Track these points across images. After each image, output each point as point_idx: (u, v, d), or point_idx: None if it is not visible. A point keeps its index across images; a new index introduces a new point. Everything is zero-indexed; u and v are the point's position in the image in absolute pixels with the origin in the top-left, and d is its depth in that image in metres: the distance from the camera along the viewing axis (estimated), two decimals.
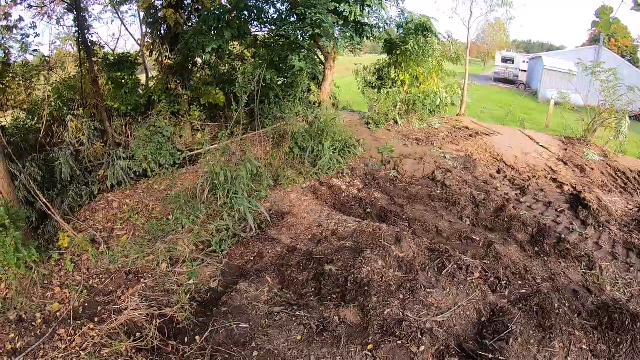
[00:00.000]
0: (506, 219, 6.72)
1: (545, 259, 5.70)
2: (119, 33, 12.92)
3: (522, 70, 31.03)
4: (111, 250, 5.50)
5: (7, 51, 8.29)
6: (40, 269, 5.39)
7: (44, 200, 5.65)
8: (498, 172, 8.82)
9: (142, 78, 11.13)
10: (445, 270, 5.06)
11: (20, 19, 8.79)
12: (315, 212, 6.02)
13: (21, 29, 8.58)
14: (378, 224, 5.91)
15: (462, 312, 4.25)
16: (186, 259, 5.08)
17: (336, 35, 8.04)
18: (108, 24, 11.30)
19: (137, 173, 6.68)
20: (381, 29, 9.56)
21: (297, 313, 4.11)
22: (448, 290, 4.56)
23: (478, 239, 6.08)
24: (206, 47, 8.12)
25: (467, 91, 12.06)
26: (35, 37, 8.62)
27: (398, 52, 9.73)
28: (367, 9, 9.01)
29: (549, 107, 14.75)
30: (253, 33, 10.53)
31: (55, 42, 11.06)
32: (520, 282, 4.86)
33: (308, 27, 7.91)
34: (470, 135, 10.33)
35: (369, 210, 6.48)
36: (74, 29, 8.93)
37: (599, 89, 10.94)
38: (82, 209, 6.63)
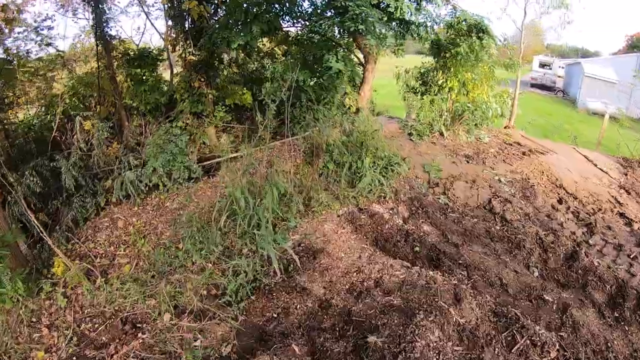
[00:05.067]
0: (580, 271, 5.30)
1: (626, 328, 4.42)
2: (144, 27, 11.91)
3: (559, 76, 28.27)
4: (109, 285, 4.39)
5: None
6: (28, 303, 4.36)
7: (36, 221, 4.59)
8: (559, 202, 7.19)
9: (167, 75, 10.07)
10: (515, 347, 3.73)
11: (43, 17, 7.83)
12: (353, 251, 4.70)
13: (35, 22, 7.59)
14: (431, 272, 4.52)
15: None
16: (194, 308, 3.89)
17: (383, 32, 6.59)
18: (134, 17, 10.28)
19: (148, 186, 5.55)
20: (428, 28, 7.97)
21: None
22: None
23: (551, 299, 4.65)
24: (232, 43, 6.84)
25: (517, 101, 10.33)
26: (49, 29, 7.60)
27: (447, 56, 8.15)
28: (415, 4, 7.46)
29: (602, 122, 12.69)
30: (284, 28, 9.17)
31: (80, 36, 10.17)
32: None
33: (349, 23, 6.48)
34: (524, 154, 8.66)
35: (417, 249, 5.09)
36: (92, 22, 7.84)
37: None
38: (86, 223, 5.58)
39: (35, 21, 7.68)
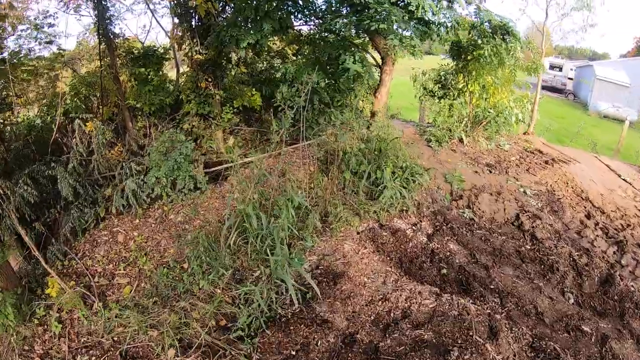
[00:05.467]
0: (616, 297, 4.93)
1: None
2: (149, 24, 11.43)
3: (569, 78, 27.60)
4: (107, 311, 3.95)
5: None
6: (20, 329, 3.93)
7: (26, 238, 4.15)
8: (587, 216, 6.71)
9: (173, 74, 9.61)
10: None
11: (44, 14, 7.36)
12: (377, 275, 4.24)
13: (36, 20, 7.13)
14: (463, 301, 4.06)
15: None
16: (201, 342, 3.45)
17: (408, 33, 6.09)
18: (140, 15, 9.79)
19: (150, 196, 5.09)
20: (449, 29, 7.46)
21: None
22: None
23: (589, 330, 4.23)
24: (241, 42, 6.34)
25: (537, 106, 9.82)
26: (49, 27, 7.14)
27: (468, 58, 7.64)
28: (436, 2, 6.95)
29: (622, 129, 12.17)
30: (296, 27, 8.68)
31: (85, 34, 9.71)
32: None
33: (370, 22, 5.99)
34: (547, 163, 8.17)
35: (444, 271, 4.63)
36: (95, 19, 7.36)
37: None
38: (84, 235, 5.14)
39: (35, 18, 7.23)
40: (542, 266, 5.06)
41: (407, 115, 12.19)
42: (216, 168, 6.64)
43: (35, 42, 7.36)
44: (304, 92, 4.58)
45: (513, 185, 6.84)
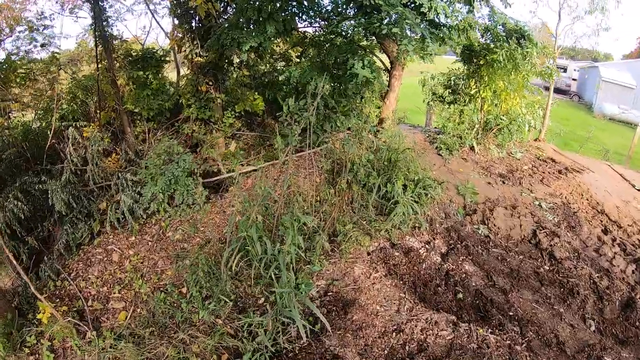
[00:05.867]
0: (637, 324, 4.60)
1: None
2: (150, 26, 11.03)
3: (573, 79, 27.14)
4: (101, 340, 3.65)
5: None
6: (11, 359, 3.64)
7: (15, 261, 3.84)
8: (605, 231, 6.40)
9: (174, 77, 9.27)
10: None
11: (39, 16, 7.03)
12: (390, 302, 3.93)
13: (31, 22, 6.80)
14: (482, 331, 3.77)
15: None
16: None
17: (424, 37, 5.73)
18: (140, 16, 9.44)
19: (147, 211, 4.76)
20: (461, 32, 7.09)
21: None
22: None
23: None
24: (242, 45, 5.98)
25: (549, 112, 9.48)
26: (44, 29, 6.80)
27: (481, 62, 7.29)
28: (453, 4, 6.59)
29: (634, 135, 11.82)
30: (300, 28, 8.31)
31: (85, 35, 9.35)
32: None
33: (381, 25, 5.63)
34: (560, 172, 7.84)
35: (460, 295, 4.33)
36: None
37: None
38: (78, 252, 4.82)
39: (30, 20, 6.90)
40: (562, 289, 4.76)
41: (413, 119, 11.85)
42: (217, 178, 6.32)
43: (30, 44, 7.05)
44: (312, 104, 4.23)
45: (528, 198, 6.52)
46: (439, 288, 4.38)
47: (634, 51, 42.99)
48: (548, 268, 5.04)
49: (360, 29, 6.32)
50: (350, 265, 4.28)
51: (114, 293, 4.16)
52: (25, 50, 7.35)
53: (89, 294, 4.19)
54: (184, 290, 4.00)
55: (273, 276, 3.74)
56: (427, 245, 4.89)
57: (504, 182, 6.78)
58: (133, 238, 4.79)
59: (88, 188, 5.73)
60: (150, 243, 4.70)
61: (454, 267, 4.68)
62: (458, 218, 5.58)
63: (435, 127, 10.18)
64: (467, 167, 6.99)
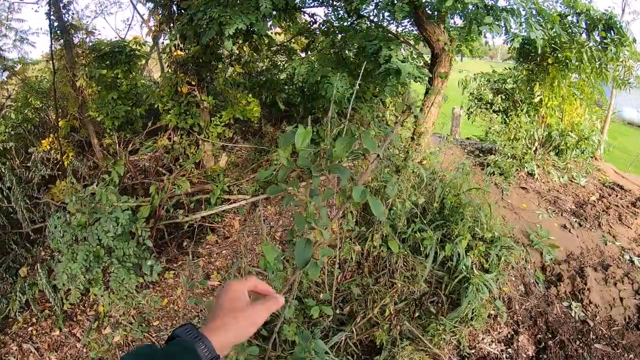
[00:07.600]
0: None
1: None
2: (131, 17, 9.12)
3: None
4: None
5: None
6: None
7: None
8: None
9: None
10: None
11: None
12: None
13: None
14: None
15: None
16: None
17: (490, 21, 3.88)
18: (122, 8, 7.51)
19: (68, 298, 2.93)
20: (522, 19, 5.15)
21: None
22: None
23: None
24: (226, 28, 4.04)
25: (608, 125, 7.68)
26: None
27: (549, 62, 5.42)
28: None
29: None
30: (308, 9, 6.32)
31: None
32: None
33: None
34: (635, 205, 6.07)
35: None
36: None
37: None
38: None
39: None
40: None
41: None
42: (195, 216, 4.49)
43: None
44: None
45: (613, 249, 4.74)
46: None
47: None
48: None
49: (404, 3, 4.26)
50: None
51: None
52: None
53: None
54: None
55: None
56: (508, 349, 3.10)
57: (580, 225, 4.99)
58: (57, 332, 2.96)
59: (23, 231, 3.96)
60: (79, 344, 2.87)
61: None
62: (540, 289, 3.79)
63: (467, 138, 8.34)
64: (530, 201, 5.18)
